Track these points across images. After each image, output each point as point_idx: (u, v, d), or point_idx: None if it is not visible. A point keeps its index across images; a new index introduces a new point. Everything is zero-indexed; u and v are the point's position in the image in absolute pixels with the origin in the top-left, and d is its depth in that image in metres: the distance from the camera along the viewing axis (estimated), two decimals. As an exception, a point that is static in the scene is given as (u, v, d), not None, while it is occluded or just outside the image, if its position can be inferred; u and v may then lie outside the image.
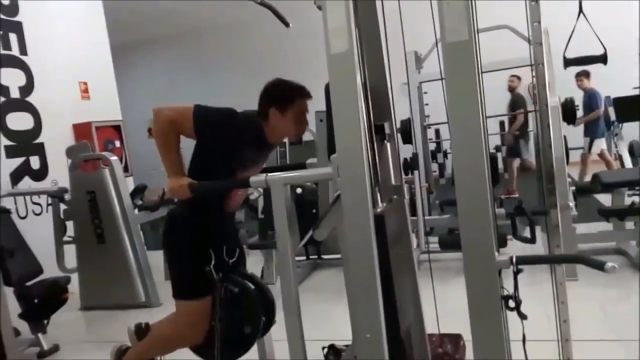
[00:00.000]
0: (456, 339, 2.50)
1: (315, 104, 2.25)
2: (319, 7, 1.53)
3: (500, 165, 7.22)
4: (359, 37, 1.67)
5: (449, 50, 1.38)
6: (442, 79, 1.40)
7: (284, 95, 2.06)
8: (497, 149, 7.95)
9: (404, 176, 2.18)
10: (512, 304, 1.40)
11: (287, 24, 2.34)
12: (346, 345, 2.38)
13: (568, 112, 3.93)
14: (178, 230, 2.16)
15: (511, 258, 1.37)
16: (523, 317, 1.40)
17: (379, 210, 1.70)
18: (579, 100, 7.31)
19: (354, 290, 1.52)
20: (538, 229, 2.83)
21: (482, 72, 1.57)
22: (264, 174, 1.63)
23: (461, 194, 1.39)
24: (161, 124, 2.02)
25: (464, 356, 2.44)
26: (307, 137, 4.51)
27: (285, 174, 1.62)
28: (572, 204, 3.62)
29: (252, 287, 2.21)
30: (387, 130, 1.91)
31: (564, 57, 3.92)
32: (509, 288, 1.41)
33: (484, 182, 1.34)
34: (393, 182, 1.95)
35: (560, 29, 3.78)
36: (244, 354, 2.25)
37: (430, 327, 2.20)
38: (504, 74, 6.03)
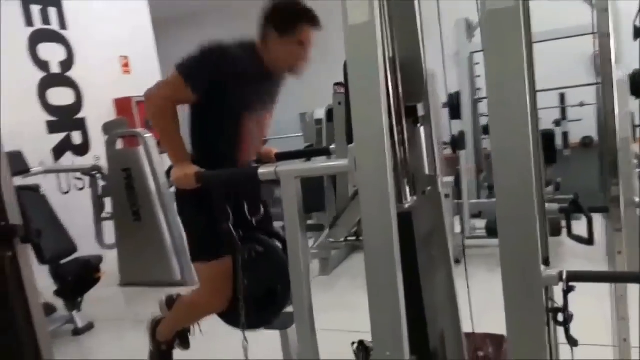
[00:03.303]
0: (499, 340, 2.27)
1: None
2: (336, -29, 1.30)
3: (560, 141, 6.72)
4: (387, 5, 1.44)
5: (490, 18, 1.13)
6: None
7: (285, 17, 1.82)
8: (557, 123, 7.40)
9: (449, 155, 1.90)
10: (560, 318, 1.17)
11: None
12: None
13: (638, 85, 3.50)
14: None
15: (560, 274, 1.13)
16: (573, 343, 1.16)
17: (406, 205, 1.48)
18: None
19: (373, 298, 1.32)
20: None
21: (532, 42, 1.31)
22: (274, 165, 1.44)
23: (500, 193, 1.15)
24: (155, 105, 1.83)
25: (507, 360, 2.21)
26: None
27: (296, 166, 1.43)
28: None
29: (280, 245, 1.98)
30: (420, 112, 1.67)
31: (635, 27, 3.44)
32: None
33: (530, 183, 1.09)
34: (427, 172, 1.72)
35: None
36: (273, 320, 2.06)
37: (476, 325, 1.96)
38: (570, 40, 5.46)
